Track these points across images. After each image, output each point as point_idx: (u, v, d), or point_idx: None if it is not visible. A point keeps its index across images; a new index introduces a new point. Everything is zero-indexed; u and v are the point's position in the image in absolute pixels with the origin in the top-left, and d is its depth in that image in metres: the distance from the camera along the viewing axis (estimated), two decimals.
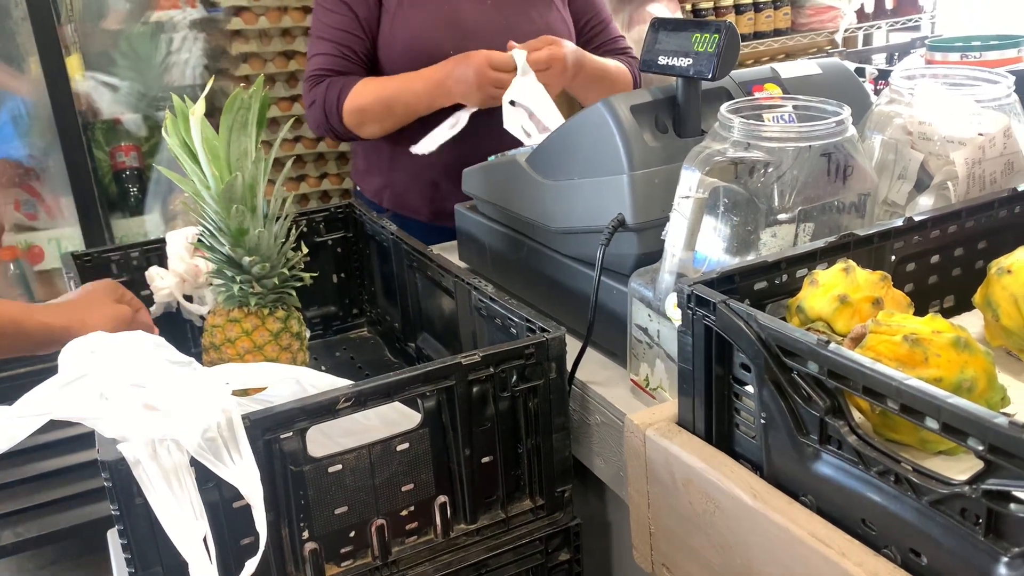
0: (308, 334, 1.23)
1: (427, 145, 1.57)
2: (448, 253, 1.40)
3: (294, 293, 1.18)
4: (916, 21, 3.72)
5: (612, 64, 1.74)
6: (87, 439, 0.83)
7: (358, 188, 1.91)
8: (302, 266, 1.19)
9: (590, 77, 1.66)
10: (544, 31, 1.64)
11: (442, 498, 0.94)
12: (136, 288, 1.30)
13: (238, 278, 1.13)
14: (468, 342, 1.19)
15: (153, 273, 1.33)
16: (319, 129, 1.69)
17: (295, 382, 0.92)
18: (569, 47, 1.59)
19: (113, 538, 1.06)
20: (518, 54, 1.50)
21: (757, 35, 3.33)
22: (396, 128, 1.66)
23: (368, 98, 1.62)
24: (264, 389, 0.93)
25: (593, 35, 1.82)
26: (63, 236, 2.55)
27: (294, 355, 1.18)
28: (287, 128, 1.21)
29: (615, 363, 1.14)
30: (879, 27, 3.76)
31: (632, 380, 1.06)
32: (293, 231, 1.18)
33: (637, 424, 0.85)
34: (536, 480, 1.00)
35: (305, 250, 1.21)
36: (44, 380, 0.85)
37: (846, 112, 0.95)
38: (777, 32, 3.38)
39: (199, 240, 1.16)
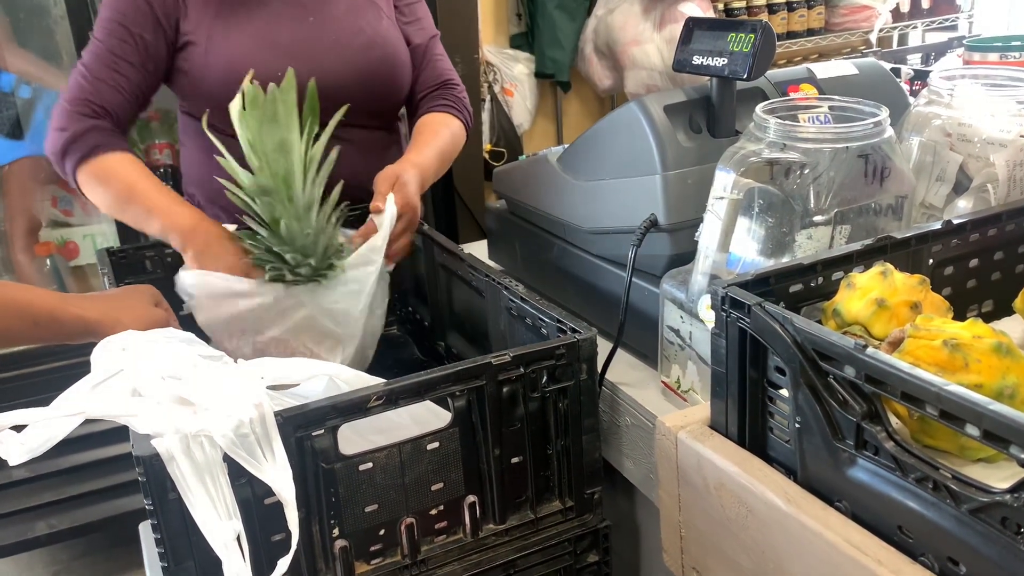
0: None
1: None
2: (478, 252, 1.40)
3: (329, 275, 1.19)
4: (953, 20, 3.66)
5: (443, 140, 1.45)
6: (120, 433, 0.83)
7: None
8: (343, 251, 1.21)
9: (434, 175, 1.41)
10: (376, 42, 1.45)
11: (471, 498, 0.94)
12: (169, 285, 1.31)
13: (278, 265, 1.16)
14: (498, 342, 1.19)
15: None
16: (52, 155, 1.47)
17: (328, 379, 0.93)
18: (410, 178, 1.28)
19: (145, 531, 1.07)
20: (389, 206, 1.23)
21: (790, 35, 3.30)
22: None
23: (110, 186, 1.45)
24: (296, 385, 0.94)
25: (414, 54, 1.53)
26: (98, 232, 2.58)
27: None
28: (338, 117, 1.22)
29: (646, 364, 1.14)
30: (915, 27, 3.70)
31: (663, 382, 1.05)
32: (334, 218, 1.20)
33: (669, 427, 0.84)
34: (565, 481, 0.99)
35: (342, 239, 1.22)
36: (76, 375, 0.86)
37: (884, 113, 0.93)
38: (811, 32, 3.34)
39: (238, 229, 1.20)
